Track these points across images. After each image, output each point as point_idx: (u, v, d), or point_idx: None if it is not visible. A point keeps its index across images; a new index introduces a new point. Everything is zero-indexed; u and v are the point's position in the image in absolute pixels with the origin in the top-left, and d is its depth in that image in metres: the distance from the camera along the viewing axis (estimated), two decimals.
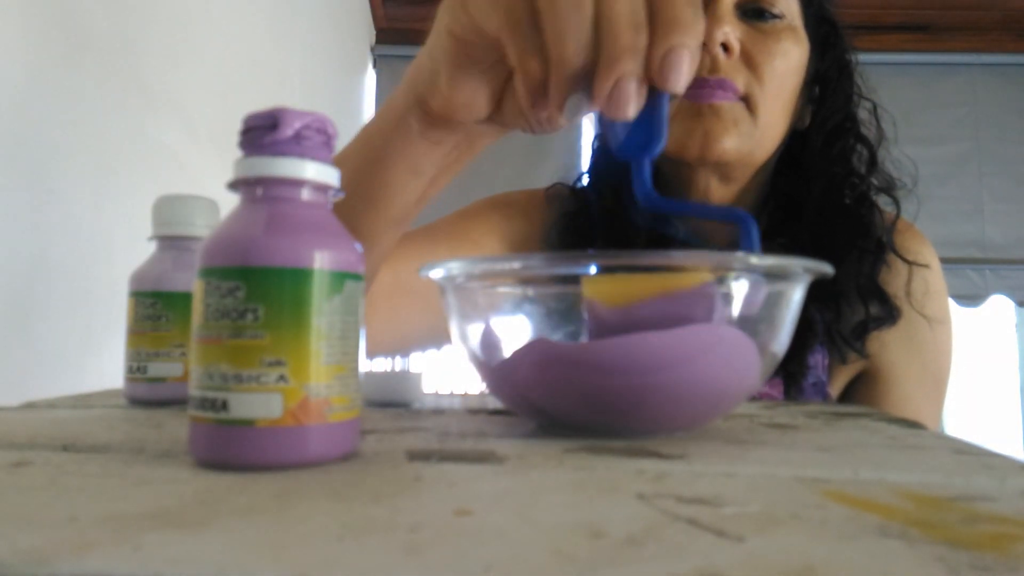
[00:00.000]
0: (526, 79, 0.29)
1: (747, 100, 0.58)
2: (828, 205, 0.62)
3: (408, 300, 0.60)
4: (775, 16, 0.59)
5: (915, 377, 0.64)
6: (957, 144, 2.61)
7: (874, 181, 0.64)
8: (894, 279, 0.63)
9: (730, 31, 0.57)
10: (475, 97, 0.36)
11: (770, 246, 0.63)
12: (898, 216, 0.64)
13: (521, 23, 0.28)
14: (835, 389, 0.64)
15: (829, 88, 0.64)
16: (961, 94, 2.64)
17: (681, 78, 0.26)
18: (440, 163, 0.40)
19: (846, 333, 0.61)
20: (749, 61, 0.58)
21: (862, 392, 0.65)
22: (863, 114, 0.65)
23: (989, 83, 2.64)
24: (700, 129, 0.57)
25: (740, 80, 0.58)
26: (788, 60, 0.59)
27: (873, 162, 0.63)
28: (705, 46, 0.57)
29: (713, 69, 0.57)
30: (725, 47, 0.57)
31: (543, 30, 0.27)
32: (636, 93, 0.26)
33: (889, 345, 0.63)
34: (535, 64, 0.28)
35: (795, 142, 0.64)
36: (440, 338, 0.65)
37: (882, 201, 0.64)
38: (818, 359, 0.62)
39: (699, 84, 0.57)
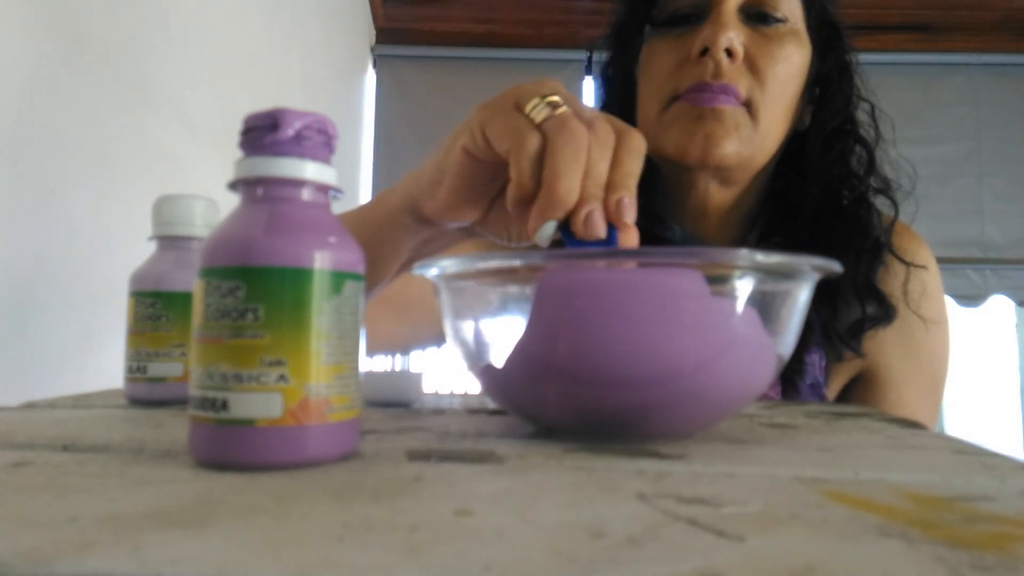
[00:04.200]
0: (518, 193, 0.36)
1: (749, 105, 0.58)
2: (826, 205, 0.63)
3: (387, 310, 0.63)
4: (778, 20, 0.59)
5: (912, 379, 0.64)
6: (957, 144, 2.60)
7: (872, 183, 0.64)
8: (892, 279, 0.63)
9: (734, 36, 0.57)
10: (466, 208, 0.42)
11: (767, 246, 0.63)
12: (896, 218, 0.64)
13: (530, 153, 0.36)
14: (832, 391, 0.64)
15: (830, 90, 0.64)
16: (961, 94, 2.64)
17: (629, 218, 0.35)
18: (418, 250, 0.48)
19: (842, 331, 0.61)
20: (752, 66, 0.58)
21: (859, 394, 0.65)
22: (862, 116, 0.65)
23: (989, 83, 2.64)
24: (701, 132, 0.58)
25: (743, 85, 0.58)
26: (790, 65, 0.59)
27: (871, 164, 0.64)
28: (710, 51, 0.57)
29: (716, 74, 0.57)
30: (729, 52, 0.57)
31: (546, 166, 0.35)
32: (602, 221, 0.35)
33: (886, 347, 0.63)
34: (530, 184, 0.36)
35: (795, 143, 0.64)
36: (418, 345, 0.71)
37: (880, 203, 0.64)
38: (815, 359, 0.62)
39: (702, 88, 0.57)
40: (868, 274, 0.61)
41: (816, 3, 0.62)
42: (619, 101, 0.68)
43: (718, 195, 0.63)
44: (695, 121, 0.58)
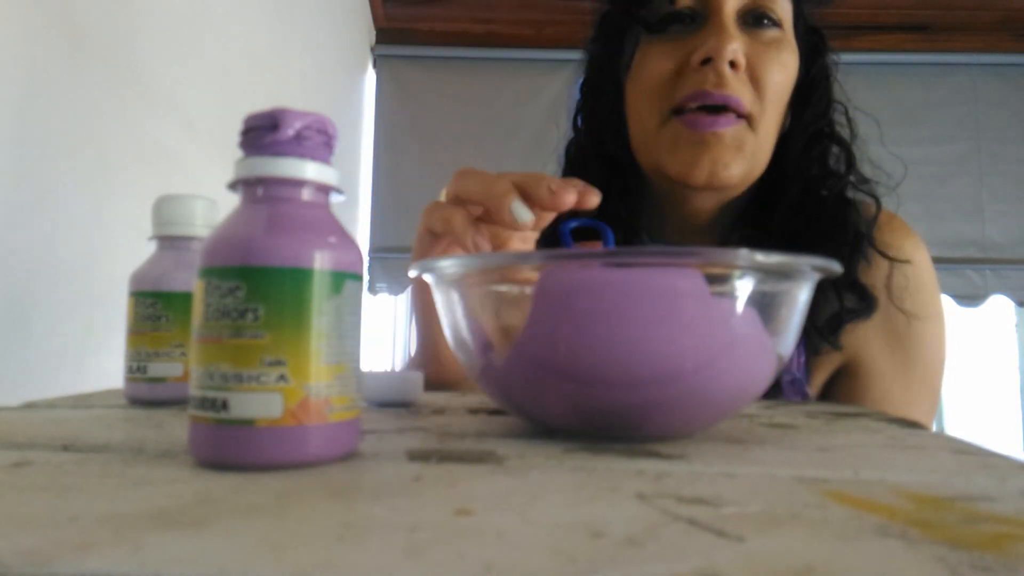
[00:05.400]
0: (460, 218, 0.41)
1: (749, 118, 0.58)
2: (806, 202, 0.63)
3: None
4: (774, 23, 0.59)
5: (899, 373, 0.63)
6: (957, 144, 2.60)
7: (851, 180, 0.64)
8: (874, 273, 0.62)
9: (738, 47, 0.57)
10: None
11: (747, 242, 0.63)
12: (879, 209, 0.64)
13: (443, 210, 0.42)
14: (814, 387, 0.64)
15: (816, 94, 0.64)
16: (961, 94, 2.63)
17: (577, 183, 0.39)
18: None
19: (820, 325, 0.61)
20: (752, 75, 0.58)
21: (842, 388, 0.64)
22: (839, 116, 0.65)
23: (989, 83, 2.64)
24: (708, 157, 0.57)
25: (746, 96, 0.57)
26: (787, 72, 0.59)
27: (850, 162, 0.64)
28: (713, 61, 0.57)
29: (720, 84, 0.56)
30: (732, 63, 0.57)
31: (463, 197, 0.42)
32: (564, 183, 0.38)
33: (868, 340, 0.62)
34: (463, 230, 0.41)
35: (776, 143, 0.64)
36: None
37: (862, 198, 0.64)
38: (793, 356, 0.61)
39: (702, 97, 0.56)
40: (846, 268, 0.61)
41: (804, 9, 0.63)
42: (606, 107, 0.67)
43: (710, 206, 0.63)
44: (699, 145, 0.57)
